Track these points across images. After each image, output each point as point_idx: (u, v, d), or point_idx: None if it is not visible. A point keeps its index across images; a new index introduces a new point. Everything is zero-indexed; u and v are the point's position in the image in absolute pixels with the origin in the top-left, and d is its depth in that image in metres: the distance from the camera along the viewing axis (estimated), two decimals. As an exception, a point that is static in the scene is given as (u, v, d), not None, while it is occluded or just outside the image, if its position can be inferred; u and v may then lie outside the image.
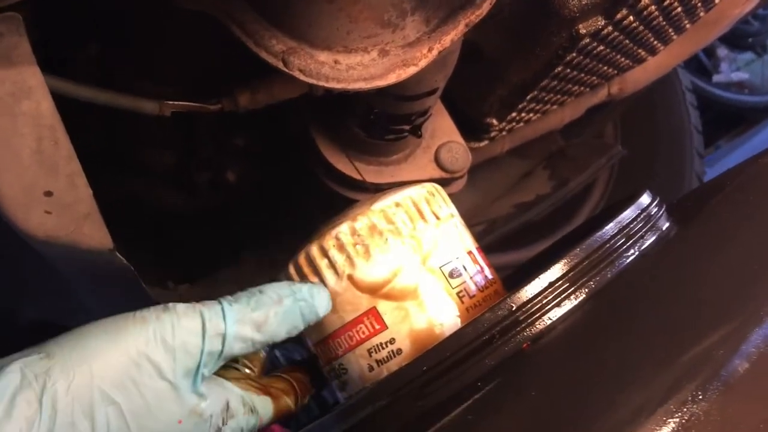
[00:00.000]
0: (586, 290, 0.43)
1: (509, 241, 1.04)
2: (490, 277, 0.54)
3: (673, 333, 0.40)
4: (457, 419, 0.39)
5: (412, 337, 0.51)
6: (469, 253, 0.54)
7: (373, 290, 0.52)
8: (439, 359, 0.43)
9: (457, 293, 0.52)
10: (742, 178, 0.51)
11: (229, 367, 0.51)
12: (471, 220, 0.54)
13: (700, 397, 0.36)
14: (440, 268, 0.52)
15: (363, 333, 0.52)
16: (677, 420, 0.35)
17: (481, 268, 0.54)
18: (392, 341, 0.51)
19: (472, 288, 0.53)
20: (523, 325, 0.42)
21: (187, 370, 0.43)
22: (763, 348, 0.38)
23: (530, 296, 0.43)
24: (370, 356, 0.52)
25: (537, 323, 0.42)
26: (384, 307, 0.51)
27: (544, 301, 0.43)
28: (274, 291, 0.49)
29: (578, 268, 0.44)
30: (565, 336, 0.42)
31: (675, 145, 1.31)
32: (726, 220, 0.48)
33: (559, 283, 0.43)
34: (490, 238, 0.97)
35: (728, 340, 0.38)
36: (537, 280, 0.43)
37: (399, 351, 0.51)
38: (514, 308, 0.42)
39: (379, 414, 0.43)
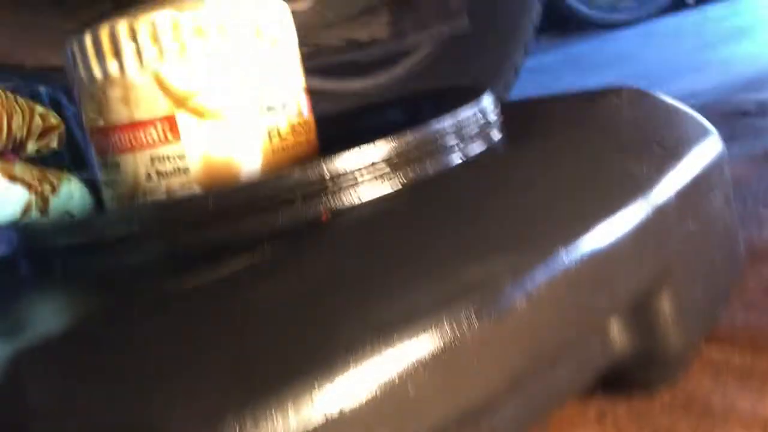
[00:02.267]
0: (404, 180, 0.41)
1: (331, 69, 0.98)
2: (307, 120, 0.50)
3: (468, 248, 0.39)
4: (228, 274, 0.36)
5: (205, 162, 0.46)
6: (293, 88, 0.49)
7: (178, 98, 0.45)
8: (230, 202, 0.38)
9: (268, 130, 0.47)
10: (583, 112, 0.51)
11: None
12: (298, 40, 0.49)
13: (472, 320, 0.35)
14: (258, 95, 0.47)
15: (152, 138, 0.46)
16: (441, 335, 0.35)
17: (301, 110, 0.50)
18: (182, 158, 0.46)
19: (284, 128, 0.48)
20: (329, 196, 0.39)
21: None
22: (542, 288, 0.38)
23: (346, 169, 0.39)
24: (153, 164, 0.46)
25: (344, 198, 0.39)
26: (184, 119, 0.45)
27: (359, 178, 0.40)
28: None
29: (404, 155, 0.41)
30: (367, 218, 0.39)
31: (509, 30, 1.31)
32: (552, 151, 0.47)
33: (381, 164, 0.40)
34: (312, 65, 0.91)
35: (515, 271, 0.38)
36: (358, 151, 0.40)
37: (186, 170, 0.46)
38: (326, 176, 0.39)
39: (136, 239, 0.39)
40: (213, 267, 0.37)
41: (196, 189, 0.46)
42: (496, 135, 0.48)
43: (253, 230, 0.38)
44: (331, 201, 0.39)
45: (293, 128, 0.49)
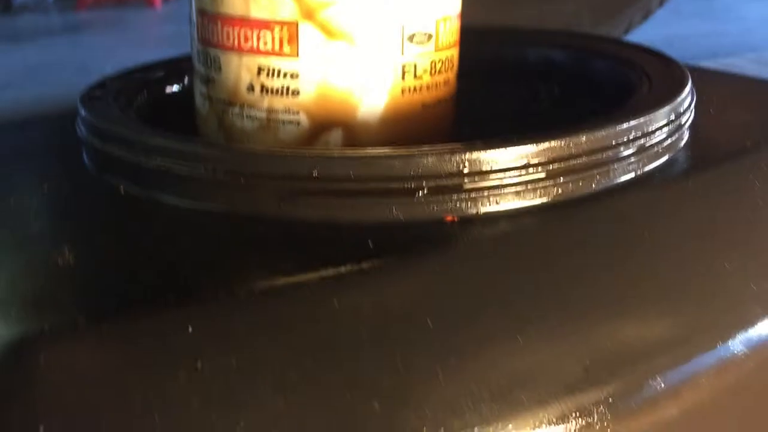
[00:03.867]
0: (558, 192, 0.32)
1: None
2: (451, 56, 0.41)
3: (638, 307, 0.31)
4: (316, 278, 0.29)
5: (320, 90, 0.38)
6: (445, 13, 0.39)
7: (307, 4, 0.36)
8: (336, 172, 0.31)
9: (404, 64, 0.38)
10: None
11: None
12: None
13: (594, 409, 0.28)
14: (400, 20, 0.38)
15: (265, 44, 0.37)
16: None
17: (448, 42, 0.40)
18: (295, 77, 0.38)
19: (423, 63, 0.39)
20: (461, 196, 0.31)
21: None
22: (702, 379, 0.30)
23: (491, 166, 0.31)
24: (259, 75, 0.38)
25: (478, 201, 0.31)
26: (308, 32, 0.37)
27: (503, 180, 0.31)
28: None
29: (565, 161, 0.32)
30: (502, 236, 0.31)
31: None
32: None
33: (534, 168, 0.31)
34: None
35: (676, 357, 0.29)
36: (509, 148, 0.31)
37: (296, 93, 0.38)
38: (463, 169, 0.30)
39: (230, 187, 0.32)
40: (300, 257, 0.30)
41: (302, 119, 0.38)
42: (684, 137, 0.38)
43: (355, 216, 0.31)
44: (462, 202, 0.31)
45: (433, 65, 0.40)
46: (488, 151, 0.31)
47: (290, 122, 0.38)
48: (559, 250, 0.31)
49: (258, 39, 0.37)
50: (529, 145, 0.31)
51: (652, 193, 0.34)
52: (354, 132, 0.38)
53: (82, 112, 0.39)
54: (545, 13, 0.94)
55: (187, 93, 0.44)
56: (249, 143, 0.39)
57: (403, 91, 0.39)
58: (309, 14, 0.36)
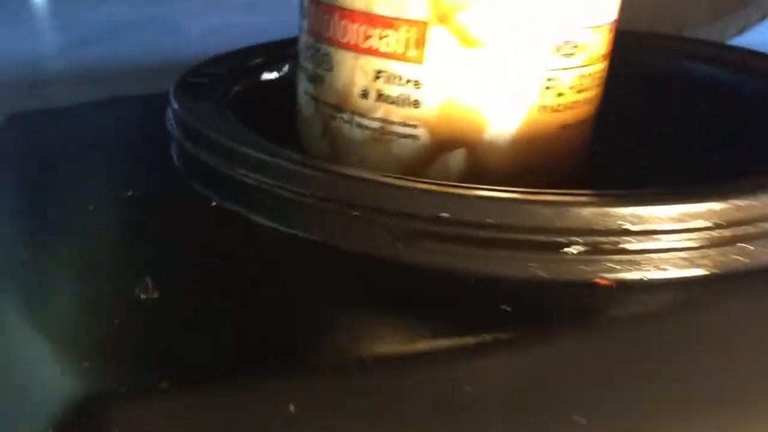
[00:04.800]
0: (741, 261, 0.26)
1: None
2: (599, 69, 0.35)
3: None
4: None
5: (445, 102, 0.32)
6: (600, 20, 0.33)
7: (442, 5, 0.31)
8: (475, 214, 0.25)
9: (546, 79, 0.33)
10: None
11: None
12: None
13: None
14: (550, 32, 0.32)
15: (387, 45, 0.32)
16: None
17: (599, 54, 0.34)
18: (418, 86, 0.32)
19: (569, 79, 0.33)
20: (622, 257, 0.25)
21: None
22: None
23: (664, 226, 0.25)
24: (376, 79, 0.33)
25: (642, 266, 0.25)
26: (438, 36, 0.31)
27: (678, 243, 0.25)
28: None
29: (739, 224, 0.26)
30: (667, 309, 0.25)
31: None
32: None
33: (719, 230, 0.26)
34: None
35: None
36: (693, 204, 0.25)
37: (416, 104, 0.32)
38: (629, 227, 0.25)
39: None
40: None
41: (420, 134, 0.33)
42: None
43: (487, 270, 0.26)
44: (622, 264, 0.25)
45: (580, 81, 0.34)
46: (664, 205, 0.25)
47: (406, 136, 0.33)
48: (739, 331, 0.25)
49: (381, 38, 0.32)
50: (719, 202, 0.25)
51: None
52: (479, 154, 0.33)
53: (174, 104, 0.34)
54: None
55: (288, 86, 0.39)
56: (357, 154, 0.34)
57: (540, 110, 0.33)
58: (442, 15, 0.31)
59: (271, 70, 0.41)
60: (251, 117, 0.38)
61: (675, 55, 0.44)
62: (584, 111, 0.35)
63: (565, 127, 0.34)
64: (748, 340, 0.25)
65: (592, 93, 0.35)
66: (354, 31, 0.33)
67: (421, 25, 0.31)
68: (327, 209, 0.27)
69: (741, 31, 0.90)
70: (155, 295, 0.25)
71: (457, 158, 0.33)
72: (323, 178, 0.27)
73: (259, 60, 0.41)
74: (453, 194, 0.25)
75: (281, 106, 0.38)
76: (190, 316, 0.24)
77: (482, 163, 0.33)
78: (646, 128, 0.42)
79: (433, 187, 0.26)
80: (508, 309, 0.24)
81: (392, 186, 0.26)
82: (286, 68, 0.41)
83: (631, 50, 0.45)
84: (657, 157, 0.39)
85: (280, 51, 0.42)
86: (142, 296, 0.24)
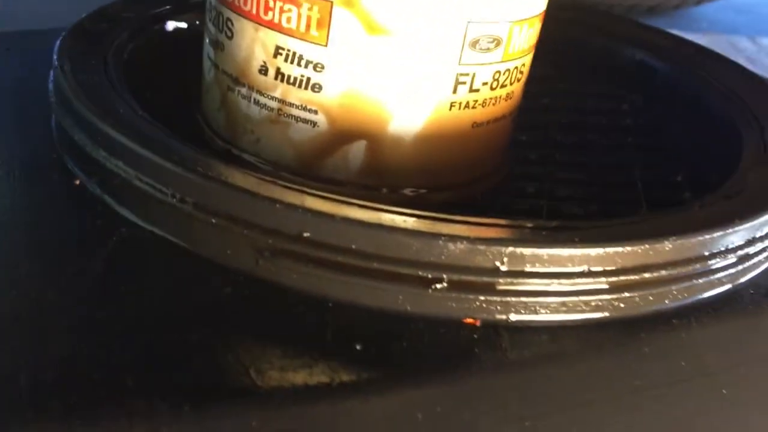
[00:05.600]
0: (616, 308, 0.25)
1: None
2: (521, 66, 0.32)
3: None
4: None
5: (348, 90, 0.30)
6: (519, 11, 0.31)
7: (346, -13, 0.28)
8: (338, 238, 0.23)
9: (458, 74, 0.30)
10: None
11: None
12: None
13: None
14: (466, 25, 0.29)
15: (289, 20, 0.29)
16: None
17: (517, 49, 0.31)
18: (319, 69, 0.30)
19: (484, 75, 0.31)
20: (491, 298, 0.24)
21: None
22: None
23: (537, 269, 0.23)
24: (275, 55, 0.30)
25: (511, 308, 0.24)
26: (344, 18, 0.29)
27: (549, 286, 0.24)
28: None
29: (639, 272, 0.24)
30: (533, 353, 0.24)
31: None
32: None
33: (594, 277, 0.24)
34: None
35: None
36: (568, 249, 0.24)
37: (317, 88, 0.30)
38: (501, 267, 0.23)
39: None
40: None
41: (320, 120, 0.30)
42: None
43: (349, 297, 0.24)
44: (491, 304, 0.24)
45: (496, 77, 0.31)
46: (538, 248, 0.23)
47: (305, 121, 0.31)
48: (605, 381, 0.24)
49: (282, 13, 0.29)
50: (596, 248, 0.23)
51: (743, 316, 0.26)
52: (381, 148, 0.31)
53: (56, 60, 0.31)
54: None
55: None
56: (253, 133, 0.32)
57: (451, 106, 0.31)
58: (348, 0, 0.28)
59: (181, 20, 0.38)
60: (154, 77, 0.35)
61: (616, 40, 0.42)
62: (501, 108, 0.33)
63: (477, 125, 0.32)
64: (613, 394, 0.24)
65: (512, 89, 0.33)
66: (255, 0, 0.30)
67: (325, 5, 0.28)
68: (186, 211, 0.25)
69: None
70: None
71: (357, 151, 0.31)
72: (184, 177, 0.25)
73: (170, 6, 0.38)
74: (316, 211, 0.23)
75: (192, 65, 0.35)
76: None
77: (384, 158, 0.31)
78: (574, 120, 0.40)
79: (298, 202, 0.24)
80: (360, 347, 0.23)
81: (256, 197, 0.24)
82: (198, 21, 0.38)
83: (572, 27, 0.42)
84: (580, 154, 0.37)
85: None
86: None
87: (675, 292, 0.25)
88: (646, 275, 0.24)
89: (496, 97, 0.32)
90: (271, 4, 0.29)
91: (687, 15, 0.90)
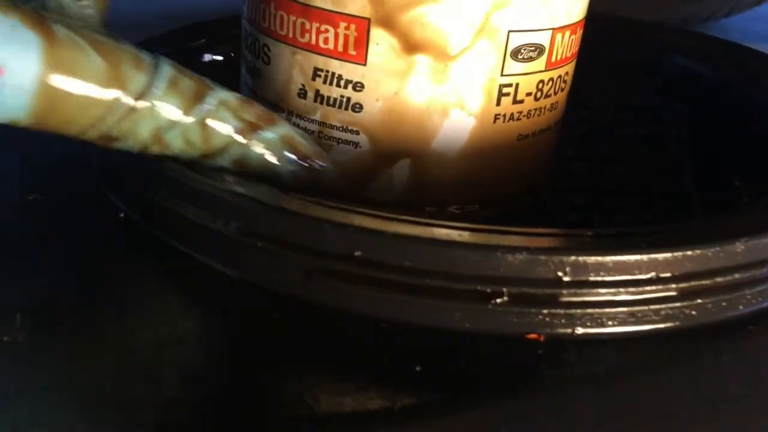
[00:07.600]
0: (687, 317, 0.23)
1: None
2: (564, 73, 0.31)
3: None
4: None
5: (389, 108, 0.29)
6: (566, 30, 0.30)
7: (386, 9, 0.27)
8: (390, 256, 0.23)
9: (501, 85, 0.29)
10: None
11: None
12: None
13: None
14: (507, 34, 0.28)
15: (326, 42, 0.29)
16: None
17: (561, 56, 0.31)
18: (358, 87, 0.29)
19: (528, 87, 0.30)
20: (555, 311, 0.22)
21: None
22: None
23: (602, 278, 0.22)
24: (314, 78, 0.30)
25: (577, 320, 0.23)
26: (381, 35, 0.28)
27: (617, 296, 0.23)
28: None
29: (710, 277, 0.23)
30: (602, 368, 0.23)
31: None
32: None
33: (663, 284, 0.23)
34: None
35: None
36: (634, 256, 0.22)
37: (357, 107, 0.29)
38: (564, 277, 0.22)
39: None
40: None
41: (362, 140, 0.30)
42: None
43: (404, 318, 0.23)
44: (555, 317, 0.23)
45: (540, 86, 0.30)
46: (602, 255, 0.22)
47: (346, 142, 0.30)
48: (681, 395, 0.22)
49: (320, 34, 0.29)
50: (664, 253, 0.22)
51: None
52: (425, 166, 0.30)
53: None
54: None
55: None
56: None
57: (495, 119, 0.30)
58: (385, 14, 0.27)
59: (217, 53, 0.38)
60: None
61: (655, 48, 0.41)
62: (546, 119, 0.32)
63: (522, 137, 0.31)
64: (690, 407, 0.22)
65: (557, 98, 0.32)
66: (291, 24, 0.30)
67: (362, 23, 0.28)
68: (231, 236, 0.24)
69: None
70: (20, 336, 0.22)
71: (401, 170, 0.30)
72: (229, 202, 0.24)
73: (203, 41, 0.38)
74: (367, 230, 0.22)
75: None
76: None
77: (428, 175, 0.30)
78: (621, 131, 0.39)
79: (349, 222, 0.23)
80: (419, 369, 0.22)
81: (303, 217, 0.23)
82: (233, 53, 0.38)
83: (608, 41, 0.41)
84: (629, 164, 0.36)
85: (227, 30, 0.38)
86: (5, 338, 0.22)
87: (749, 297, 0.24)
88: (719, 279, 0.23)
89: (540, 108, 0.31)
90: (308, 26, 0.29)
91: (718, 27, 0.88)
